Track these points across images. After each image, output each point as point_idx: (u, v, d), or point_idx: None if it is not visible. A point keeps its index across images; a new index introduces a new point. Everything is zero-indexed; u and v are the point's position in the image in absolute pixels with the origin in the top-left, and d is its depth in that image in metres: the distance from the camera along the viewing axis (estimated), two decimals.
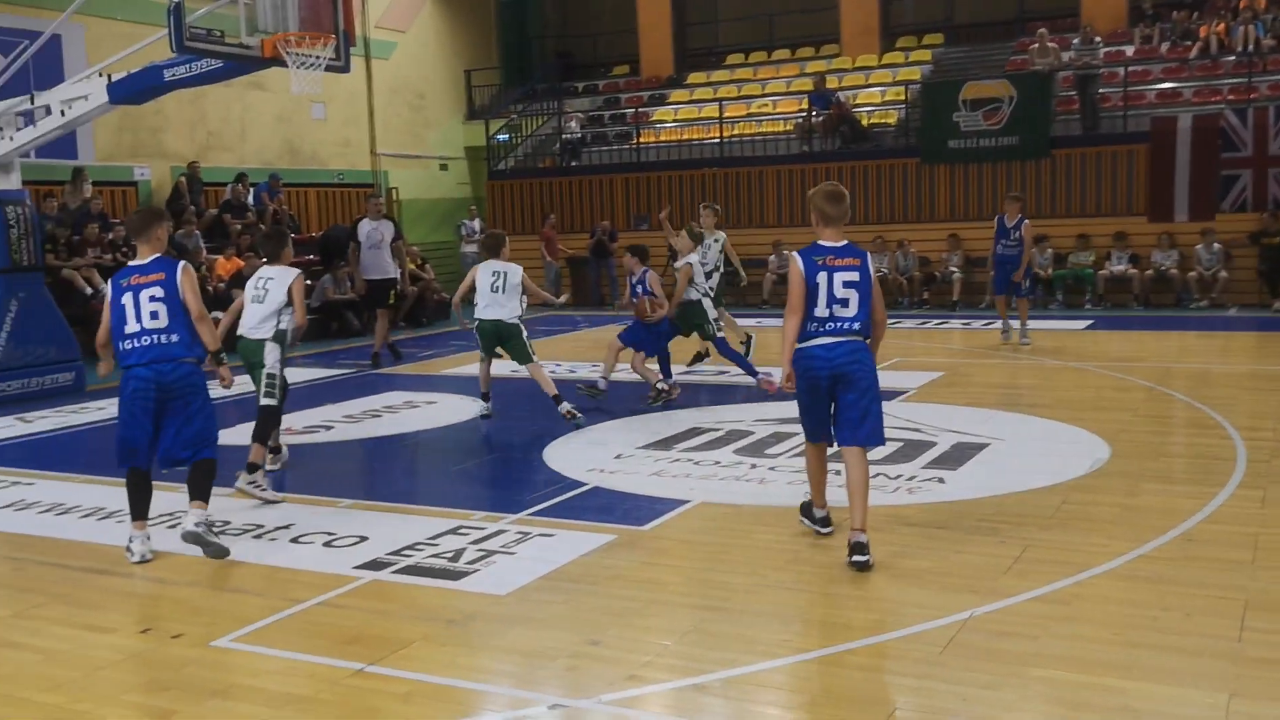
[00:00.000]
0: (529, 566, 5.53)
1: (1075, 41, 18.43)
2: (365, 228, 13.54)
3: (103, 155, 17.36)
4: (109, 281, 6.19)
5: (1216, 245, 16.52)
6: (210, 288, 16.01)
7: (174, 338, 5.88)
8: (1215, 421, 8.42)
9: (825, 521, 5.94)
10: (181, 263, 6.06)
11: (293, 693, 4.20)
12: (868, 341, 5.52)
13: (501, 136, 23.32)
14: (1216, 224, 16.69)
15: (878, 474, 7.17)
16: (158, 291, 5.89)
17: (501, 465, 8.18)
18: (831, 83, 21.41)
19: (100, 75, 11.32)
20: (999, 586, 5.02)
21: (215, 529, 6.04)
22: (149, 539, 5.94)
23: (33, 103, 11.63)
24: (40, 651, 4.73)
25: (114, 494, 7.36)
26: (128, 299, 5.91)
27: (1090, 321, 15.67)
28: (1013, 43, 21.55)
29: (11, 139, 11.68)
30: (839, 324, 5.39)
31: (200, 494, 5.93)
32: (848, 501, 5.50)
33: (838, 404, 5.50)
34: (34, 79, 13.63)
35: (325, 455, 8.73)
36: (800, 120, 20.67)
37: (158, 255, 6.07)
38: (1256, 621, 4.50)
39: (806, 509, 6.08)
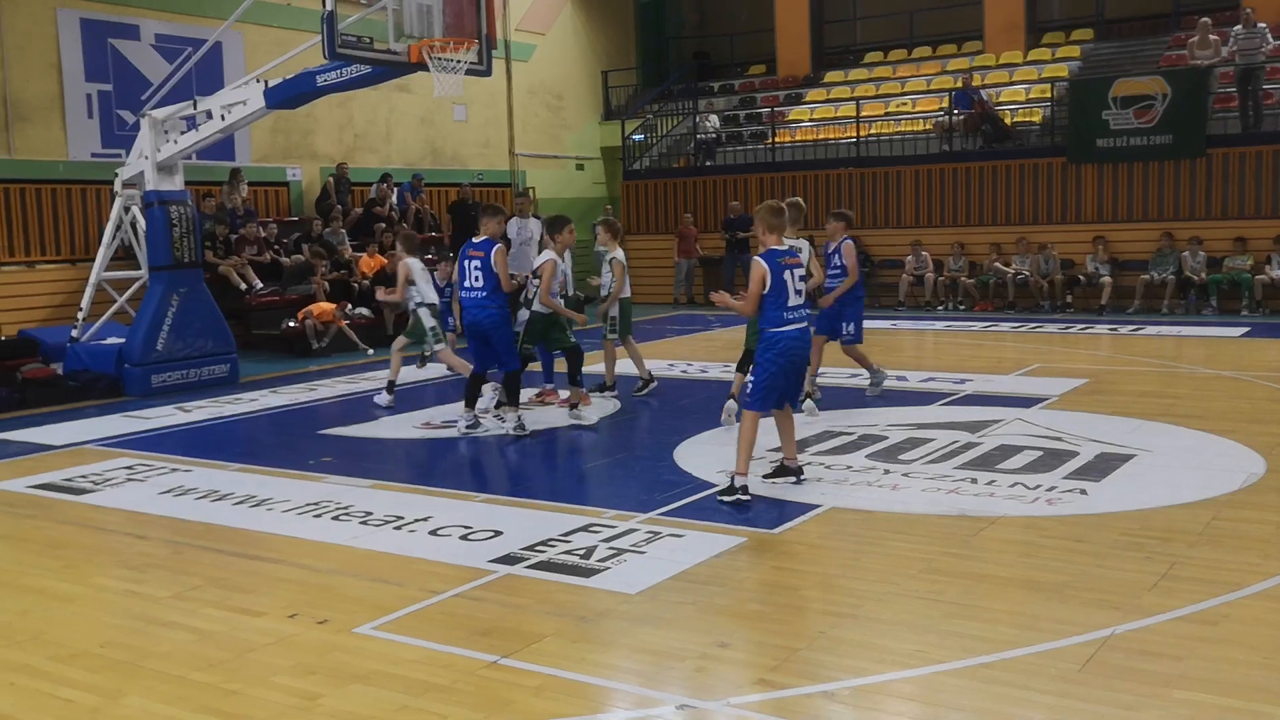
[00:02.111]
0: (659, 566, 5.59)
1: (1237, 29, 17.51)
2: (514, 226, 13.97)
3: (257, 157, 18.14)
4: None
5: None
6: (355, 283, 16.60)
7: None
8: None
9: (746, 489, 6.74)
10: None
11: (430, 681, 4.34)
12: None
13: (637, 136, 23.49)
14: None
15: (1015, 483, 7.01)
16: None
17: (633, 464, 8.26)
18: (975, 81, 20.90)
19: (258, 81, 11.84)
20: (1143, 604, 4.85)
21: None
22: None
23: (195, 108, 12.25)
24: (195, 632, 4.99)
25: (266, 482, 7.74)
26: None
27: (1247, 329, 14.94)
28: (1167, 38, 20.67)
29: (175, 142, 12.32)
30: (798, 311, 6.77)
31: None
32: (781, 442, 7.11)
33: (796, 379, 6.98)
34: (196, 84, 14.38)
35: (463, 450, 8.97)
36: (940, 119, 20.24)
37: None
38: None
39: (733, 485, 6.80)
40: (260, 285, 15.83)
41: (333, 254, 16.88)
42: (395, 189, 19.01)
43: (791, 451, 7.16)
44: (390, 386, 10.87)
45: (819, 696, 4.06)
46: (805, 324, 6.82)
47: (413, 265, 10.49)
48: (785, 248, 6.78)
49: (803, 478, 7.08)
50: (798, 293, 6.71)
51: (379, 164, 19.76)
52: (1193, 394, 10.39)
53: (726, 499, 6.70)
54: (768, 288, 6.65)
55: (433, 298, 10.70)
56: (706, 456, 8.04)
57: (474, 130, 21.93)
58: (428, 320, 10.53)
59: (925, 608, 5.01)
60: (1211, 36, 18.07)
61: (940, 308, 18.86)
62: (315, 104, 16.46)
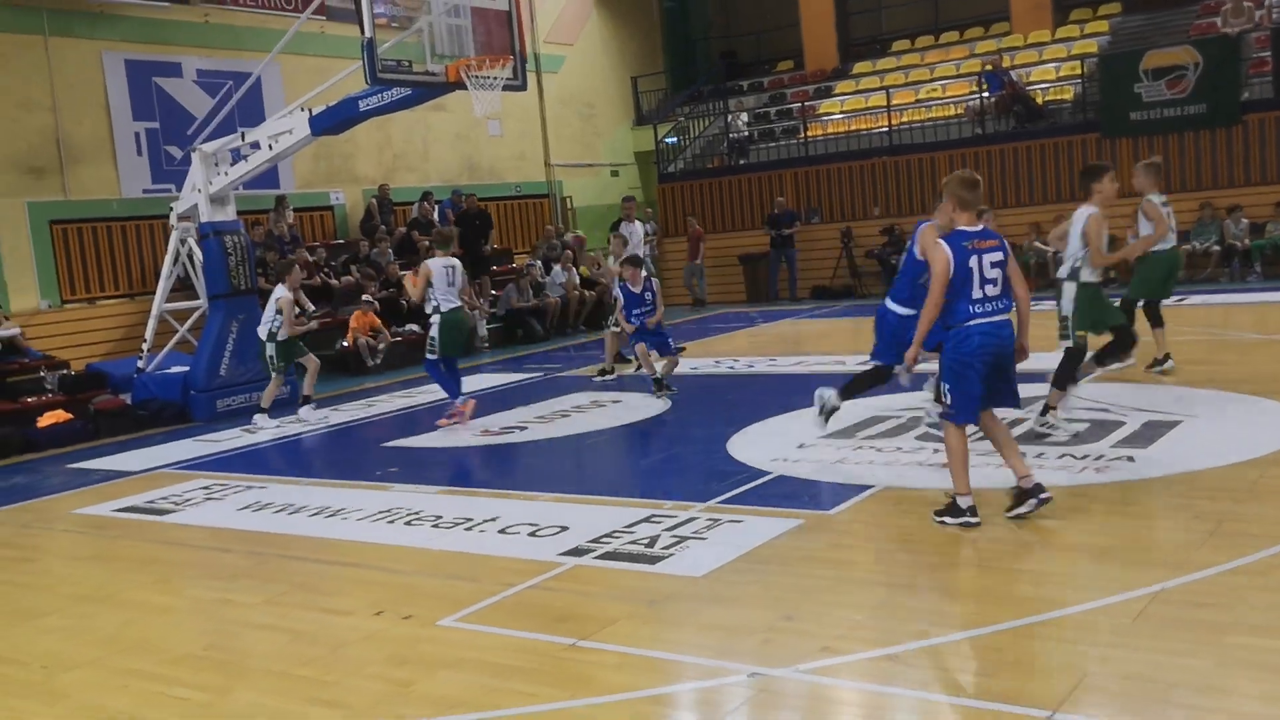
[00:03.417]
0: (721, 550, 5.82)
1: None
2: (625, 229, 14.72)
3: (301, 183, 18.61)
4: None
5: None
6: (404, 301, 16.98)
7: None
8: None
9: (974, 511, 5.86)
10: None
11: (514, 665, 4.61)
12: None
13: (670, 140, 23.75)
14: None
15: (1064, 454, 7.17)
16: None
17: (688, 458, 8.50)
18: (1005, 62, 20.95)
19: (302, 110, 12.23)
20: (1192, 559, 5.01)
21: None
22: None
23: (243, 139, 12.67)
24: (289, 632, 5.30)
25: (337, 494, 8.07)
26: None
27: None
28: (1196, 6, 20.58)
29: (225, 174, 12.75)
30: (993, 304, 5.72)
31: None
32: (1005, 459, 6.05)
33: (1001, 379, 5.86)
34: (238, 117, 14.83)
35: (522, 453, 9.26)
36: (971, 103, 20.31)
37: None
38: None
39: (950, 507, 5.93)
40: (313, 308, 16.24)
41: (380, 273, 17.28)
42: (436, 206, 19.40)
43: (1020, 466, 5.98)
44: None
45: (884, 660, 4.28)
46: (1003, 316, 5.73)
47: (432, 267, 10.22)
48: (978, 228, 5.72)
49: (1045, 495, 5.81)
50: (990, 281, 5.66)
51: (418, 183, 20.16)
52: (1238, 360, 10.46)
53: (951, 520, 5.84)
54: (950, 275, 5.64)
55: (451, 304, 10.29)
56: (758, 447, 8.26)
57: (509, 144, 22.30)
58: (434, 329, 10.29)
59: (979, 575, 5.20)
60: (1246, 3, 18.00)
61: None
62: (355, 129, 16.91)
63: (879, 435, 8.31)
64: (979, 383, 5.75)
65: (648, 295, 11.23)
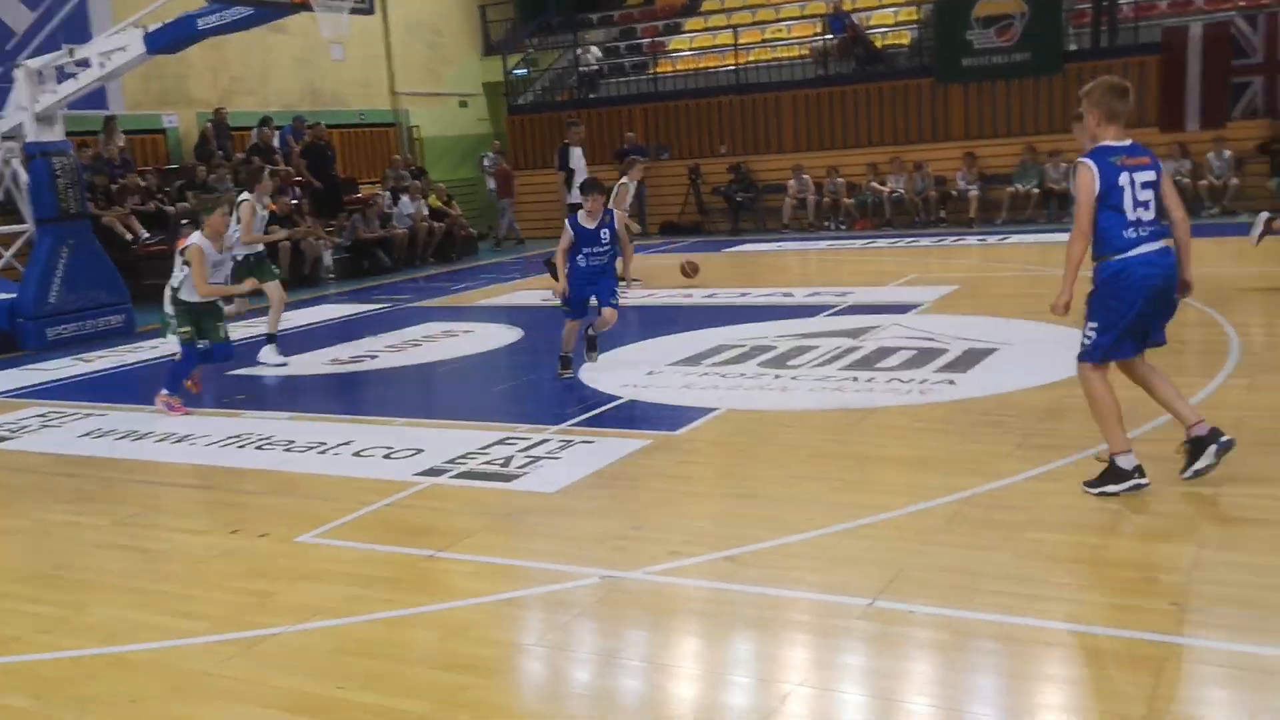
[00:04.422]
0: (573, 469, 6.08)
1: None
2: (577, 154, 14.22)
3: (131, 104, 17.81)
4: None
5: (1227, 153, 16.75)
6: None
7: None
8: (1215, 320, 8.85)
9: (1142, 470, 5.04)
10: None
11: (373, 575, 4.78)
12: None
13: (519, 71, 23.58)
14: (1227, 132, 16.88)
15: (892, 379, 7.68)
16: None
17: (542, 385, 8.71)
18: (846, 5, 21.52)
19: (136, 27, 11.74)
20: (999, 469, 5.53)
21: None
22: None
23: (71, 56, 12.09)
24: (144, 552, 5.34)
25: (185, 421, 7.99)
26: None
27: None
28: None
29: (54, 92, 12.16)
30: (1149, 229, 4.97)
31: None
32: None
33: (1161, 318, 5.16)
34: (63, 34, 14.08)
35: (373, 381, 9.32)
36: (816, 45, 20.83)
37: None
38: (1229, 488, 5.01)
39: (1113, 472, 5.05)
40: (146, 235, 15.70)
41: (218, 200, 16.74)
42: (277, 132, 18.85)
43: (1188, 413, 5.21)
44: None
45: (724, 560, 4.63)
46: (1161, 244, 4.99)
47: (205, 251, 8.13)
48: (1125, 143, 5.01)
49: (1225, 440, 5.07)
50: (1143, 205, 4.93)
51: (257, 107, 19.53)
52: (1052, 293, 11.19)
53: (1115, 488, 5.00)
54: (1096, 196, 4.92)
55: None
56: (610, 374, 8.54)
57: (352, 70, 21.76)
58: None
59: (814, 486, 5.61)
60: None
61: (825, 227, 19.61)
62: (189, 49, 16.24)
63: (724, 363, 8.68)
64: (1137, 321, 5.05)
65: (604, 234, 8.44)
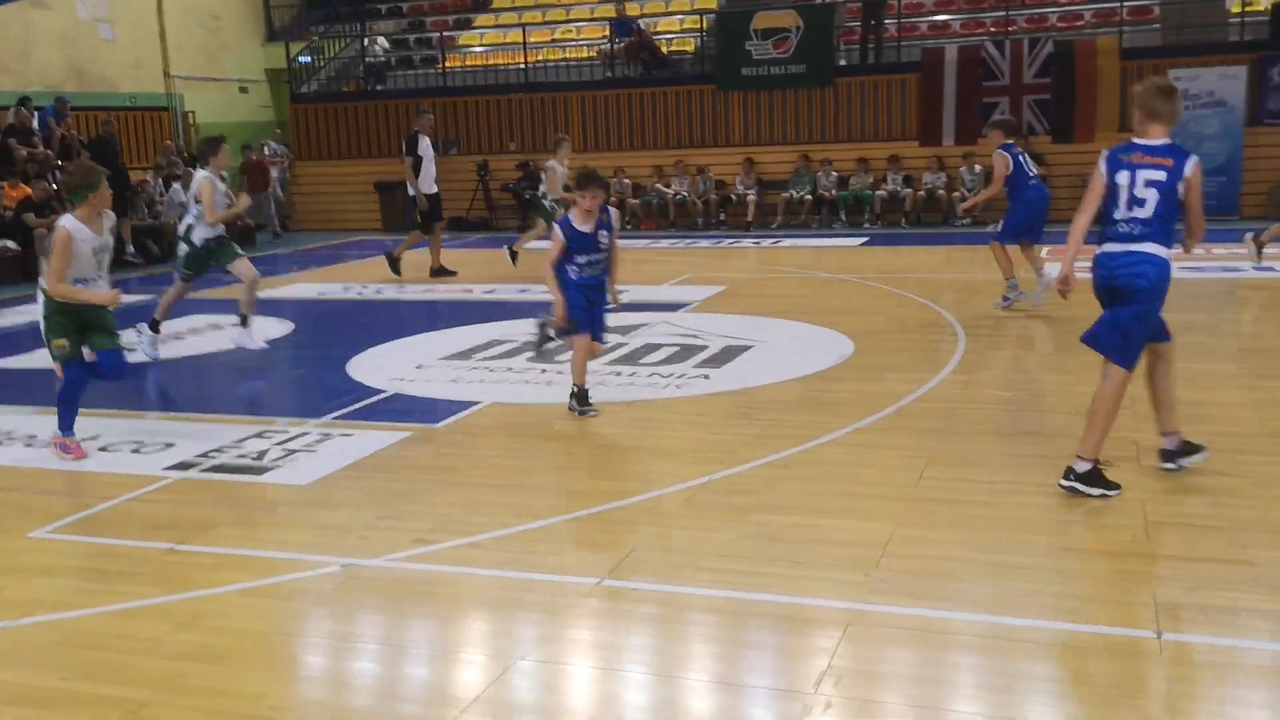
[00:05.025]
0: (328, 462, 6.11)
1: None
2: (426, 143, 13.78)
3: None
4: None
5: (978, 167, 18.04)
6: None
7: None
8: (948, 322, 9.62)
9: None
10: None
11: (109, 569, 4.70)
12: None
13: (303, 59, 22.98)
14: (978, 148, 18.16)
15: (652, 374, 8.01)
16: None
17: (307, 379, 8.64)
18: (633, 10, 22.00)
19: None
20: (737, 456, 5.90)
21: None
22: None
23: None
24: None
25: None
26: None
27: (867, 238, 16.98)
28: None
29: None
30: (1138, 227, 4.97)
31: None
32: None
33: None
34: None
35: (131, 374, 8.97)
36: (603, 47, 21.21)
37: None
38: (933, 472, 5.52)
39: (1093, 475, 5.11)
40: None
41: None
42: (36, 113, 17.76)
43: (1166, 422, 5.36)
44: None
45: (467, 546, 4.79)
46: (1135, 244, 4.97)
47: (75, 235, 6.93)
48: (1157, 143, 5.00)
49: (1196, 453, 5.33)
50: (1138, 202, 4.95)
51: (15, 87, 18.35)
52: (812, 294, 11.91)
53: (1094, 490, 5.06)
54: (1098, 190, 5.09)
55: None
56: (378, 368, 8.55)
57: (123, 50, 20.71)
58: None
59: (564, 474, 5.85)
60: None
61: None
62: None
63: (494, 357, 8.83)
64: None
65: (602, 237, 6.90)
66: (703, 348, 8.92)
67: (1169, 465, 5.35)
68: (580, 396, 6.94)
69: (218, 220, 9.00)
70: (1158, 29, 18.59)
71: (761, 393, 7.38)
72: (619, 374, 8.06)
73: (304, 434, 6.70)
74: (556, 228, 6.98)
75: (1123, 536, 4.66)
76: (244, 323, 9.21)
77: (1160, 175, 4.95)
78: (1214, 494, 5.09)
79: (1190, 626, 3.81)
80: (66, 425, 6.49)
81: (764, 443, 6.16)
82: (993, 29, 19.26)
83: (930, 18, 20.22)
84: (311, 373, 8.70)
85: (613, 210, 7.09)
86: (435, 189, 14.10)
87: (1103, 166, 5.12)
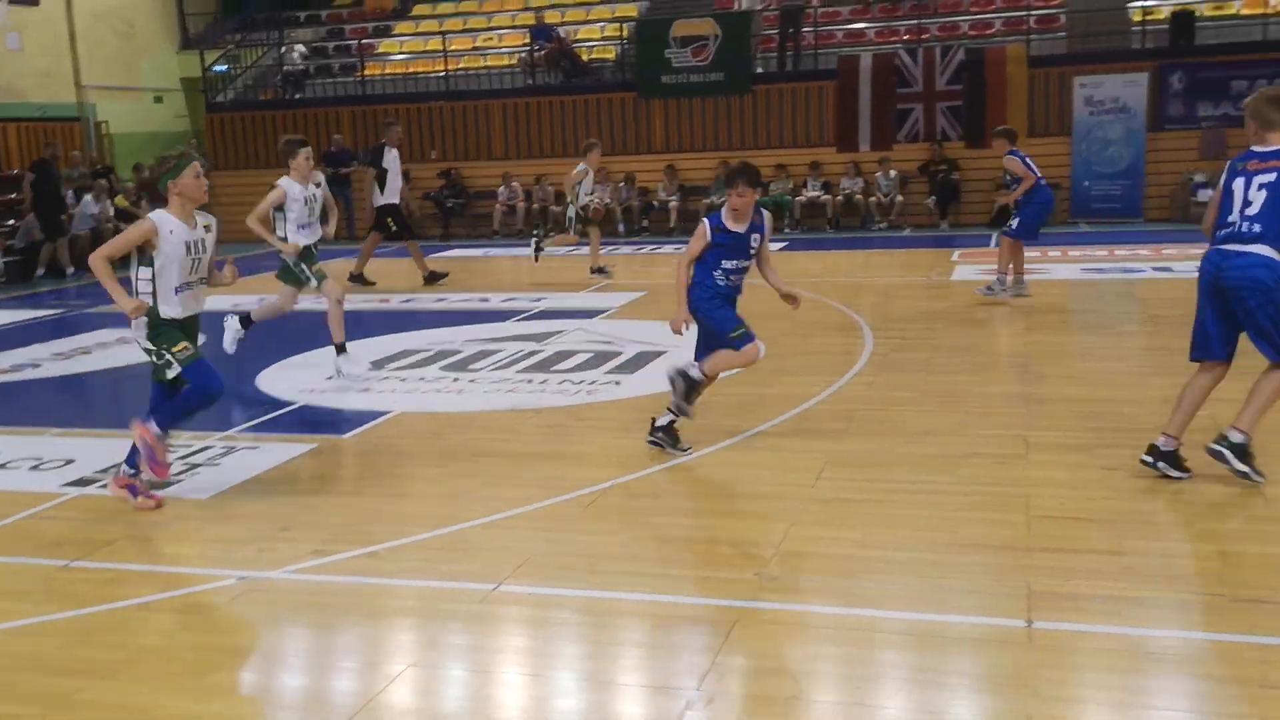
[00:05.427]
0: (231, 474, 6.07)
1: None
2: (394, 156, 13.64)
3: None
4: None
5: (893, 173, 18.40)
6: None
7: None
8: (856, 324, 9.81)
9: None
10: None
11: (1, 588, 4.64)
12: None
13: (220, 67, 22.68)
14: (893, 154, 18.55)
15: (564, 381, 8.06)
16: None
17: None
18: (553, 17, 22.06)
19: None
20: (642, 462, 5.98)
21: None
22: None
23: None
24: None
25: None
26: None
27: (786, 244, 17.19)
28: None
29: None
30: (1247, 227, 5.07)
31: None
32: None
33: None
34: None
35: (33, 390, 8.83)
36: (524, 55, 21.23)
37: None
38: (830, 473, 5.65)
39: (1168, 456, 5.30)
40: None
41: None
42: None
43: (1246, 419, 5.23)
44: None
45: (364, 557, 4.80)
46: (1245, 245, 5.04)
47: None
48: (1270, 149, 5.10)
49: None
50: (1248, 204, 5.08)
51: None
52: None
53: (1174, 473, 5.27)
54: (1218, 195, 5.25)
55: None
56: (288, 380, 8.50)
57: (31, 59, 20.27)
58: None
59: (468, 483, 5.86)
60: None
61: (535, 234, 19.96)
62: None
63: (406, 367, 8.82)
64: (1204, 316, 5.24)
65: (753, 241, 6.21)
66: (617, 354, 8.99)
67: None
68: (670, 433, 6.13)
69: (263, 228, 8.51)
70: (1064, 37, 19.10)
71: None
72: (530, 381, 8.10)
73: (207, 448, 6.65)
74: (705, 224, 6.11)
75: (1007, 531, 4.82)
76: (339, 349, 8.41)
77: (1271, 177, 5.07)
78: (1093, 488, 5.29)
79: (1060, 615, 3.96)
80: (157, 460, 5.55)
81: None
82: (906, 37, 19.64)
83: (846, 26, 20.56)
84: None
85: (765, 212, 6.35)
86: (398, 200, 14.07)
87: (1222, 178, 5.27)
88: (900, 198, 18.39)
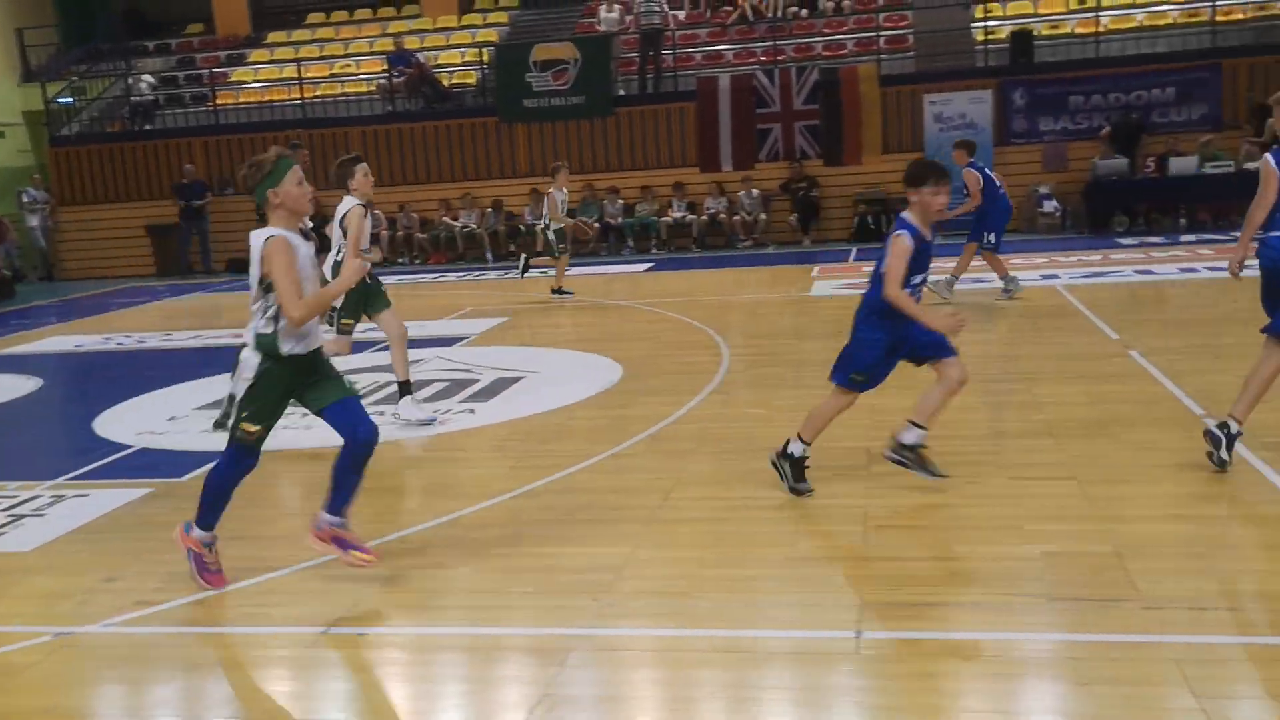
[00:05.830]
0: (58, 525, 5.78)
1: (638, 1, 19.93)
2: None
3: None
4: None
5: (755, 192, 18.70)
6: None
7: None
8: (716, 343, 9.90)
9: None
10: None
11: None
12: None
13: (64, 100, 21.82)
14: (755, 173, 18.86)
15: (390, 414, 7.89)
16: None
17: (48, 438, 8.16)
18: (413, 43, 21.85)
19: None
20: (490, 490, 5.89)
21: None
22: None
23: None
24: None
25: None
26: None
27: (653, 264, 17.31)
28: (582, 5, 22.88)
29: None
30: None
31: None
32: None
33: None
34: None
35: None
36: (382, 81, 20.97)
37: None
38: (678, 493, 5.66)
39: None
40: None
41: None
42: None
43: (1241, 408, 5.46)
44: None
45: (193, 605, 4.61)
46: None
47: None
48: None
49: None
50: None
51: None
52: (593, 322, 12.06)
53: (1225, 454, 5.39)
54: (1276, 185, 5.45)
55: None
56: (127, 423, 8.16)
57: None
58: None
59: (303, 522, 5.64)
60: (617, 4, 20.37)
61: (400, 261, 19.72)
62: None
63: None
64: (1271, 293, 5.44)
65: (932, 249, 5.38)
66: (473, 381, 8.89)
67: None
68: (797, 467, 5.47)
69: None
70: (913, 57, 19.71)
71: (524, 424, 7.40)
72: (383, 413, 7.93)
73: (35, 497, 6.32)
74: (904, 236, 5.12)
75: (844, 542, 4.88)
76: (403, 390, 7.60)
77: None
78: (929, 493, 5.40)
79: (888, 624, 4.02)
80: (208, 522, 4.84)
81: (517, 474, 6.17)
82: (763, 58, 20.01)
83: (705, 48, 20.84)
84: (55, 431, 8.24)
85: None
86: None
87: (1272, 163, 5.42)
88: (764, 216, 18.68)
